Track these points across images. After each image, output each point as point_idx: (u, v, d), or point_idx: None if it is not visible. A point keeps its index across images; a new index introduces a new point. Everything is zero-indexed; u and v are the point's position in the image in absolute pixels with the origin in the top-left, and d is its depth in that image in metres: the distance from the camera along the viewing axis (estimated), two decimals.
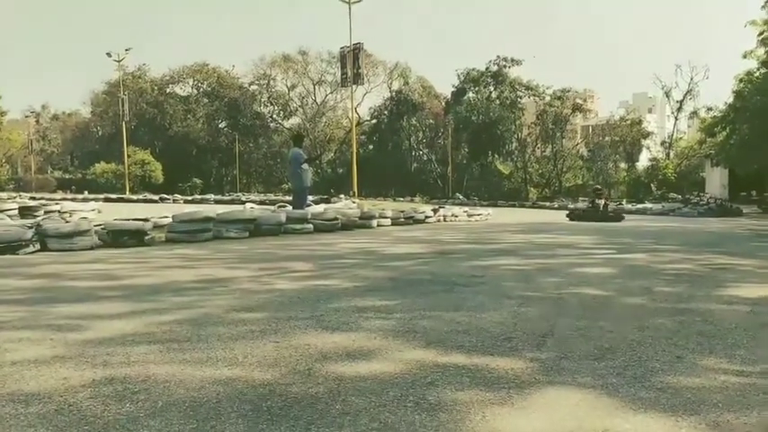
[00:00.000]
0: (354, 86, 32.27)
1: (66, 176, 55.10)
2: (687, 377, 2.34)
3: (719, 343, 2.86)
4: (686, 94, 49.05)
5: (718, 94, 69.85)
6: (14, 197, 23.72)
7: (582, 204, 24.25)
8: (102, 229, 8.12)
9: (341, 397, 2.07)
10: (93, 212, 15.43)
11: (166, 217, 9.76)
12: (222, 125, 58.86)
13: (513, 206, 36.48)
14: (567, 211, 19.96)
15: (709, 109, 36.50)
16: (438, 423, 1.86)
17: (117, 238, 7.97)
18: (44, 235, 7.38)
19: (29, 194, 30.70)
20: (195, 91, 58.90)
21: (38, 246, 7.23)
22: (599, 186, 28.01)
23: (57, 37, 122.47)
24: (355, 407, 1.98)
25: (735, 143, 25.47)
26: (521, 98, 53.17)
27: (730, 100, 27.19)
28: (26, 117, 63.96)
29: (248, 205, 15.64)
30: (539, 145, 53.87)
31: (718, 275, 5.29)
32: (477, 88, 52.89)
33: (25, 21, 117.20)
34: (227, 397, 2.06)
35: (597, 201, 19.01)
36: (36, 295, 4.07)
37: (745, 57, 25.52)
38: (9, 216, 11.10)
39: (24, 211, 12.86)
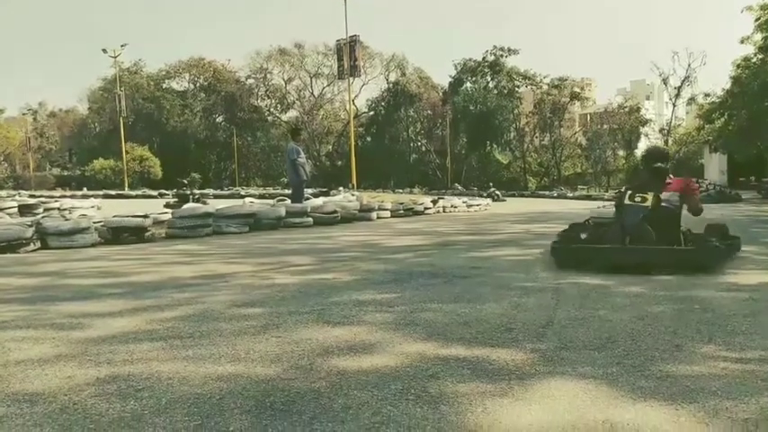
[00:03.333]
0: (351, 78, 32.28)
1: (65, 173, 55.14)
2: (686, 365, 2.35)
3: (718, 330, 2.87)
4: (684, 80, 49.03)
5: (716, 80, 69.44)
6: (13, 195, 23.70)
7: (607, 204, 9.98)
8: (102, 226, 8.13)
9: (343, 391, 2.08)
10: (92, 209, 15.40)
11: (166, 213, 9.79)
12: (220, 119, 58.82)
13: (513, 196, 36.51)
14: (555, 240, 5.36)
15: (707, 95, 36.44)
16: (440, 415, 1.88)
17: (117, 234, 7.99)
18: (44, 233, 7.39)
19: (28, 192, 30.70)
20: (192, 86, 58.81)
21: (38, 244, 7.24)
22: (662, 148, 8.76)
23: (52, 34, 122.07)
24: (357, 401, 2.00)
25: (733, 129, 25.46)
26: (518, 87, 53.23)
27: (728, 86, 27.15)
28: (23, 115, 63.96)
29: (247, 200, 15.65)
30: (537, 134, 53.89)
31: None
32: (474, 78, 52.92)
33: (21, 19, 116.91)
34: (231, 393, 2.08)
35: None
36: (37, 294, 4.08)
37: (742, 42, 25.49)
38: (9, 214, 11.11)
39: (24, 209, 12.86)
